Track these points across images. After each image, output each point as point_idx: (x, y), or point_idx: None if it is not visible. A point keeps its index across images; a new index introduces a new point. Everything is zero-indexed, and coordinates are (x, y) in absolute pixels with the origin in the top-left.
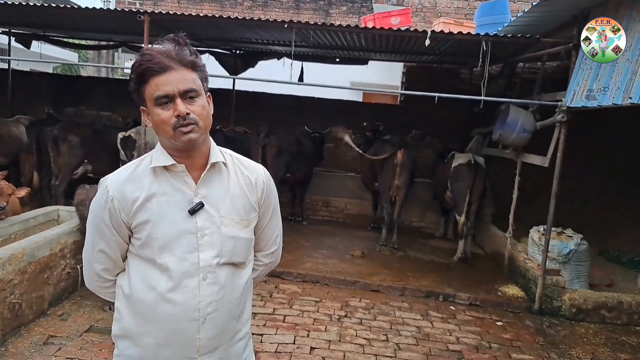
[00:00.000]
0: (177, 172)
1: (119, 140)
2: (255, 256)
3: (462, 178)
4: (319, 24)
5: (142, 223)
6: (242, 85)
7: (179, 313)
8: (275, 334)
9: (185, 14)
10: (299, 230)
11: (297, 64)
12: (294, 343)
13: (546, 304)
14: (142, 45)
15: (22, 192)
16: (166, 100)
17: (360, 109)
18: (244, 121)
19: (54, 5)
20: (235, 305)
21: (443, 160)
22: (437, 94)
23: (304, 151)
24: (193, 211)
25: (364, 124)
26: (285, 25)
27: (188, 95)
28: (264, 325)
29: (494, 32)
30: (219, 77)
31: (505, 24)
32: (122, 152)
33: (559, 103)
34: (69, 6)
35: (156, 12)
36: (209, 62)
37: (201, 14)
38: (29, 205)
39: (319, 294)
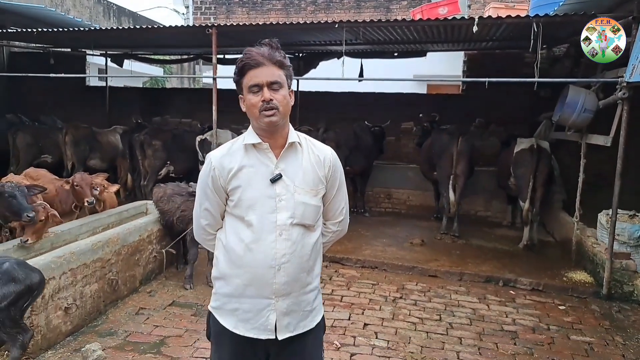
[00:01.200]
0: (262, 149)
1: (197, 143)
2: (324, 224)
3: (525, 163)
4: (368, 21)
5: (235, 188)
6: (305, 85)
7: (259, 260)
8: (332, 311)
9: (253, 23)
10: (360, 221)
11: (357, 61)
12: (349, 319)
13: (616, 288)
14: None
15: (114, 188)
16: (257, 89)
17: (422, 101)
18: (309, 120)
19: (138, 27)
20: (305, 260)
21: (507, 148)
22: (487, 79)
23: (363, 145)
24: (273, 180)
25: (420, 115)
26: (336, 26)
27: (273, 86)
28: (322, 303)
29: (549, 13)
30: None
31: (561, 3)
32: (199, 153)
33: (620, 79)
34: (151, 26)
35: (222, 25)
36: None
37: (268, 22)
38: (124, 202)
39: (377, 278)
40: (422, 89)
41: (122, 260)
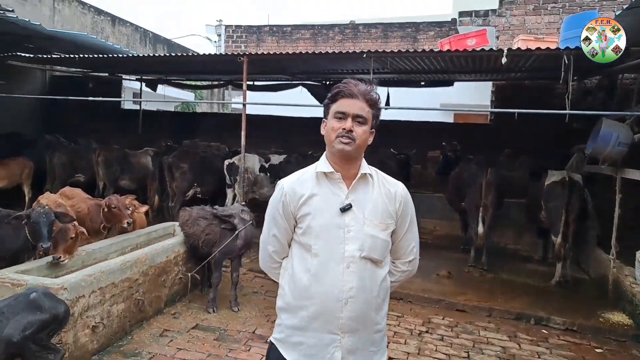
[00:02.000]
0: (334, 179)
1: (225, 166)
2: (393, 262)
3: (556, 197)
4: (395, 51)
5: (304, 215)
6: None
7: (326, 292)
8: None
9: (283, 52)
10: None
11: (384, 90)
12: None
13: None
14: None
15: (143, 208)
16: (342, 116)
17: (449, 130)
18: None
19: (174, 54)
20: (373, 296)
21: (537, 179)
22: (517, 110)
23: (388, 172)
24: (343, 210)
25: (443, 143)
26: (364, 55)
27: (358, 119)
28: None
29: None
30: (308, 106)
31: None
32: (227, 176)
33: None
34: (186, 54)
35: (253, 53)
36: (302, 94)
37: (297, 52)
38: (152, 223)
39: (401, 309)
40: (449, 118)
41: (149, 281)
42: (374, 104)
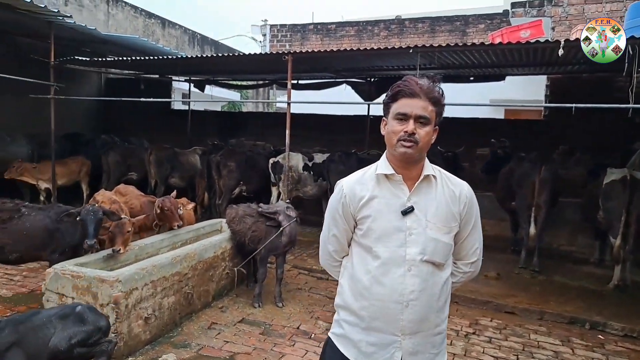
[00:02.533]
0: (395, 181)
1: (269, 165)
2: (455, 264)
3: (616, 196)
4: (443, 45)
5: (364, 217)
6: (376, 110)
7: (387, 294)
8: None
9: (327, 50)
10: None
11: None
12: None
13: None
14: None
15: (190, 205)
16: (403, 117)
17: (499, 127)
18: (380, 144)
19: (220, 54)
20: (435, 299)
21: (595, 178)
22: (574, 105)
23: None
24: (405, 213)
25: (491, 140)
26: (410, 51)
27: (420, 120)
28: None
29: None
30: (352, 103)
31: None
32: (272, 174)
33: None
34: (232, 54)
35: (298, 52)
36: (346, 92)
37: (341, 49)
38: (201, 219)
39: None
40: (499, 114)
41: (198, 275)
42: (437, 102)
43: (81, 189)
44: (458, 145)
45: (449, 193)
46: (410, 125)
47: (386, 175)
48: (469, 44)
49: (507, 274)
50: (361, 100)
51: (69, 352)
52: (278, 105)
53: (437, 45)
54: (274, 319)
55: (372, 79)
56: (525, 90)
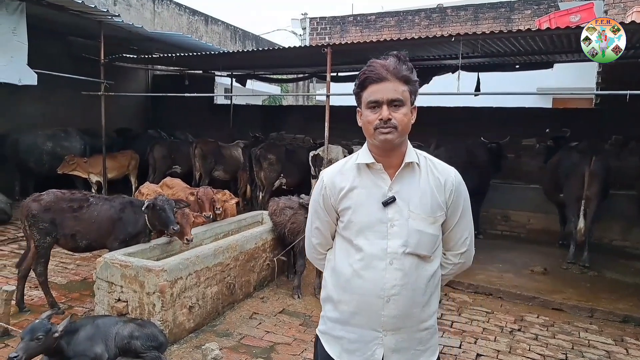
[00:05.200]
0: (376, 169)
1: (310, 158)
2: (444, 254)
3: None
4: (487, 32)
5: (345, 208)
6: (417, 101)
7: (367, 288)
8: (442, 336)
9: (367, 41)
10: None
11: (473, 75)
12: (459, 347)
13: None
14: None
15: (233, 200)
16: (375, 105)
17: (546, 116)
18: (420, 136)
19: (260, 49)
20: (420, 294)
21: None
22: (628, 92)
23: (477, 162)
24: (386, 203)
25: (546, 130)
26: (452, 39)
27: (394, 103)
28: (438, 344)
29: None
30: None
31: None
32: (312, 167)
33: None
34: (271, 48)
35: (337, 44)
36: None
37: (381, 39)
38: (243, 211)
39: (491, 305)
40: (546, 103)
41: (239, 266)
42: (408, 80)
43: (130, 182)
44: (503, 136)
45: (434, 181)
46: (384, 112)
47: (367, 165)
48: (514, 30)
49: (554, 269)
50: None
51: (127, 345)
52: (318, 98)
53: (480, 32)
54: (313, 311)
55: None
56: (575, 78)
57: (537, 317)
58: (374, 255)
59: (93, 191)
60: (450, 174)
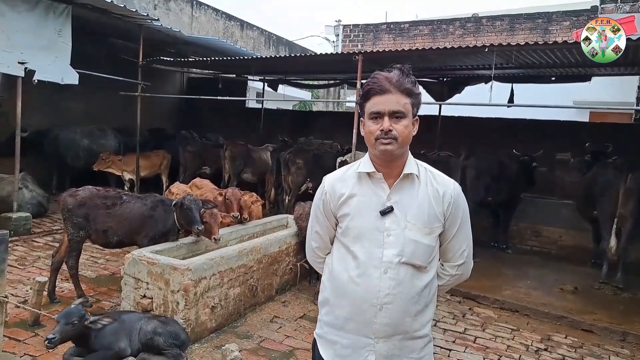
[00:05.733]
0: (376, 179)
1: (337, 164)
2: (442, 265)
3: None
4: (522, 44)
5: (344, 215)
6: (448, 110)
7: (361, 295)
8: (464, 351)
9: (398, 49)
10: (500, 258)
11: (507, 86)
12: None
13: None
14: (364, 81)
15: (259, 202)
16: (377, 116)
17: (582, 130)
18: (451, 145)
19: (293, 55)
20: (412, 303)
21: None
22: None
23: (508, 174)
24: (383, 213)
25: (587, 144)
26: (486, 50)
27: (395, 115)
28: (453, 342)
29: None
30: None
31: None
32: None
33: None
34: (304, 54)
35: (368, 51)
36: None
37: (413, 48)
38: (269, 214)
39: (517, 322)
40: (583, 117)
41: (262, 269)
42: (410, 93)
43: (161, 180)
44: (536, 149)
45: (432, 192)
46: (386, 123)
47: (368, 174)
48: (551, 42)
49: (586, 288)
50: (432, 100)
51: (150, 340)
52: (347, 104)
53: (515, 44)
54: None
55: (445, 79)
56: (614, 92)
57: (565, 338)
58: (369, 263)
59: (126, 188)
60: (449, 186)
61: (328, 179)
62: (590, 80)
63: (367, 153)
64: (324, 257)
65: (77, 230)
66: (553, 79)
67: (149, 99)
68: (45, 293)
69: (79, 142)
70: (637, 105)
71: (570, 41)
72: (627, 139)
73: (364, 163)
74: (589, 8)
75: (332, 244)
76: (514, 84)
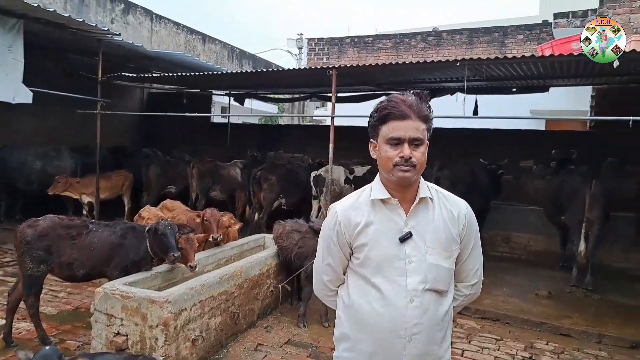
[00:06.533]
0: (392, 205)
1: (311, 178)
2: (456, 286)
3: None
4: (492, 57)
5: (361, 245)
6: None
7: (388, 328)
8: None
9: (366, 64)
10: None
11: (471, 97)
12: None
13: None
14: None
15: (238, 225)
16: (396, 142)
17: (542, 138)
18: None
19: (267, 70)
20: (437, 330)
21: None
22: (632, 118)
23: (479, 184)
24: (403, 239)
25: (553, 152)
26: (458, 64)
27: (414, 142)
28: None
29: None
30: None
31: None
32: (314, 188)
33: None
34: (277, 69)
35: (342, 65)
36: None
37: (379, 61)
38: (241, 233)
39: (500, 332)
40: (540, 125)
41: (244, 294)
42: (427, 119)
43: (123, 202)
44: (502, 158)
45: (447, 214)
46: (406, 150)
47: (382, 200)
48: (518, 56)
49: (558, 292)
50: None
51: None
52: (315, 117)
53: (485, 57)
54: (320, 340)
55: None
56: (568, 100)
57: (547, 344)
58: (394, 294)
59: (84, 212)
60: (462, 207)
61: (340, 208)
62: (548, 90)
63: (377, 178)
64: (336, 290)
65: (38, 265)
66: (514, 90)
67: (108, 116)
68: (0, 336)
69: (31, 164)
70: (591, 114)
71: (528, 54)
72: (583, 145)
73: (377, 189)
74: (541, 22)
75: (344, 275)
76: (477, 96)
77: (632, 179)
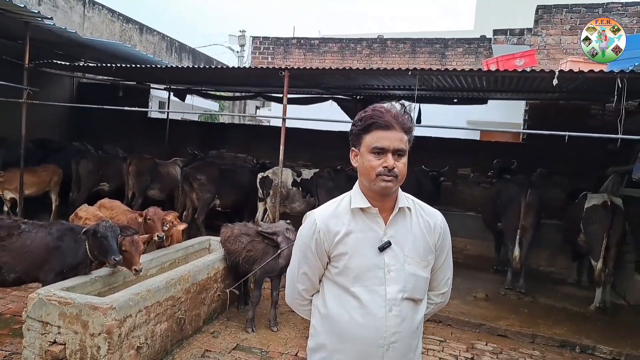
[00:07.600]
0: (371, 214)
1: (258, 180)
2: (427, 295)
3: (598, 220)
4: (442, 69)
5: (340, 254)
6: None
7: (368, 337)
8: None
9: (318, 67)
10: None
11: (415, 106)
12: None
13: None
14: (276, 95)
15: (182, 226)
16: (380, 151)
17: (479, 148)
18: None
19: (217, 67)
20: (413, 338)
21: (574, 201)
22: (567, 133)
23: (424, 190)
24: (382, 248)
25: (495, 161)
26: (409, 73)
27: (397, 152)
28: None
29: (630, 68)
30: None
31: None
32: (260, 190)
33: None
34: (219, 67)
35: (294, 67)
36: (332, 108)
37: (325, 65)
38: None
39: (442, 334)
40: (475, 135)
41: (191, 299)
42: (409, 130)
43: (50, 199)
44: (443, 165)
45: (424, 224)
46: (390, 160)
47: (361, 209)
48: (467, 69)
49: (494, 295)
50: (346, 118)
51: None
52: (257, 117)
53: (436, 69)
54: (270, 345)
55: (358, 97)
56: (502, 113)
57: (486, 345)
58: (373, 303)
59: (5, 209)
60: (437, 218)
61: (320, 216)
62: (487, 102)
63: (357, 186)
64: (310, 299)
65: None
66: (455, 100)
67: (34, 106)
68: None
69: None
70: (524, 126)
71: (477, 69)
72: (515, 156)
73: (357, 198)
74: (479, 37)
75: (319, 284)
76: (421, 104)
77: (558, 189)
